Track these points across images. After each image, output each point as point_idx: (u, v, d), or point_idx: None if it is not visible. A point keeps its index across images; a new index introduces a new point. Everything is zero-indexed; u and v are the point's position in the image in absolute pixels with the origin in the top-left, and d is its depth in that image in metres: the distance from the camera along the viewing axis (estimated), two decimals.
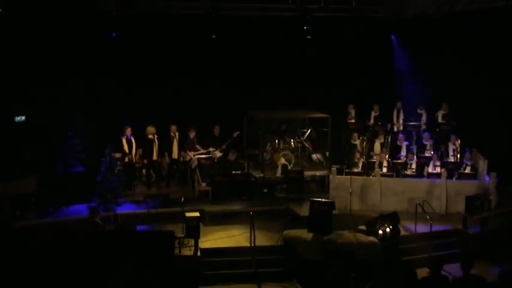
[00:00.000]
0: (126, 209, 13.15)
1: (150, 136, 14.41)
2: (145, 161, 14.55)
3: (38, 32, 13.32)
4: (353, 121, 16.09)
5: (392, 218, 11.42)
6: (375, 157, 14.97)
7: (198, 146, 14.97)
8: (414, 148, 14.95)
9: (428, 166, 14.04)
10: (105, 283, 9.28)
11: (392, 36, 16.88)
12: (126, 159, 14.22)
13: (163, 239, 10.72)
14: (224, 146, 14.99)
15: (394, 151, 14.94)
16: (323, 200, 11.57)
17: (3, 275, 9.45)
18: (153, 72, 15.53)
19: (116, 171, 13.27)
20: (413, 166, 14.14)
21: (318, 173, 15.00)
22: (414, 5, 16.12)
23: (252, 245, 11.09)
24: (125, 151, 14.18)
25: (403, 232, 11.80)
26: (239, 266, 11.07)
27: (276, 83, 16.57)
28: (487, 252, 11.59)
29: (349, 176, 13.01)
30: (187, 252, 11.04)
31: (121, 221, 12.74)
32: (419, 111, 15.91)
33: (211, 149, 14.95)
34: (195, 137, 14.93)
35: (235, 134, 15.21)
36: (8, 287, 9.38)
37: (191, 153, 14.79)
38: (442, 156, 14.50)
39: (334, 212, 11.59)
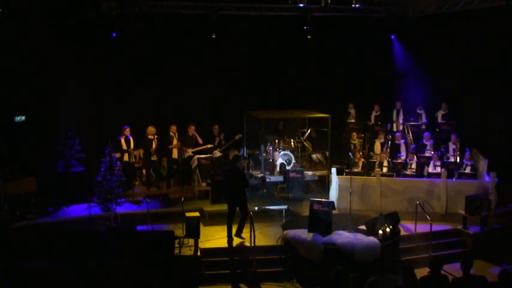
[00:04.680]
0: (126, 209, 13.14)
1: (150, 136, 14.43)
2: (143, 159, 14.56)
3: (38, 32, 13.30)
4: (353, 121, 16.10)
5: (393, 218, 11.41)
6: (374, 157, 14.98)
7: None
8: (414, 148, 14.94)
9: (428, 166, 14.04)
10: (105, 283, 9.28)
11: (392, 36, 16.89)
12: (126, 157, 14.19)
13: (163, 239, 10.75)
14: (224, 147, 14.98)
15: (394, 151, 14.94)
16: (323, 200, 11.55)
17: (3, 275, 9.46)
18: (153, 72, 15.54)
19: (116, 171, 13.27)
20: (413, 166, 14.13)
21: (318, 173, 15.01)
22: (414, 5, 16.14)
23: (252, 245, 11.08)
24: (123, 149, 14.18)
25: (403, 232, 11.80)
26: (239, 266, 11.06)
27: (276, 83, 16.57)
28: (487, 252, 11.61)
29: (349, 176, 12.99)
30: (187, 252, 11.02)
31: (121, 221, 12.75)
32: (419, 111, 15.92)
33: (209, 146, 14.93)
34: (194, 133, 14.93)
35: (237, 137, 15.19)
36: (7, 287, 9.39)
37: (189, 150, 14.78)
38: (442, 156, 14.49)
39: (334, 212, 11.59)
